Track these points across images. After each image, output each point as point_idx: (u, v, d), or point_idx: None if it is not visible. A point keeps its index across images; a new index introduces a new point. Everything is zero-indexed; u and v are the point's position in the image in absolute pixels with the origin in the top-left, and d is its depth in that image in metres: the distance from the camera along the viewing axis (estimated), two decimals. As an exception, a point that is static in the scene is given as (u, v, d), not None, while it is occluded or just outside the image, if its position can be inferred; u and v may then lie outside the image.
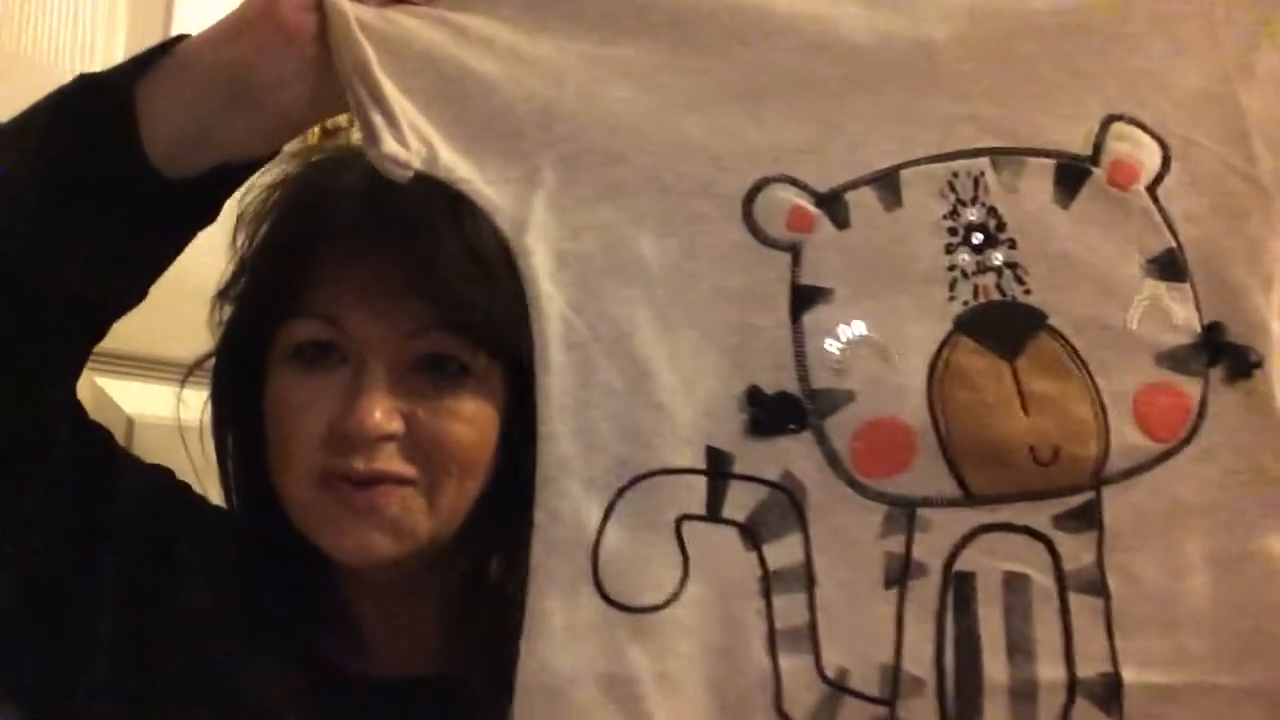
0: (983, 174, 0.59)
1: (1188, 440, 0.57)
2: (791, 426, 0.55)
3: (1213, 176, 0.60)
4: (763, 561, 0.54)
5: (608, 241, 0.56)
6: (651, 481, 0.54)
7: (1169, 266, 0.59)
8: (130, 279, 0.61)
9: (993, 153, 0.59)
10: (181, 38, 0.59)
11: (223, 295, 0.74)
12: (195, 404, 0.76)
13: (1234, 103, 0.61)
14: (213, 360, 0.74)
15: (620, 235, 0.56)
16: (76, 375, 0.64)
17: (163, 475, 0.74)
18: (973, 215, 0.58)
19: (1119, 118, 0.60)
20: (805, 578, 0.54)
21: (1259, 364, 0.58)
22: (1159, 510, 0.56)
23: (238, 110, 0.58)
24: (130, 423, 0.85)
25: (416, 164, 0.55)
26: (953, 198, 0.58)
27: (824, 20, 0.60)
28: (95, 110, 0.58)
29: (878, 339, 0.56)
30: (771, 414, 0.55)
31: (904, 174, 0.58)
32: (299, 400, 0.67)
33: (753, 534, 0.54)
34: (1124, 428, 0.57)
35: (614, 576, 0.53)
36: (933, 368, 0.56)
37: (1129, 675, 0.55)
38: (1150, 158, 0.60)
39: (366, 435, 0.65)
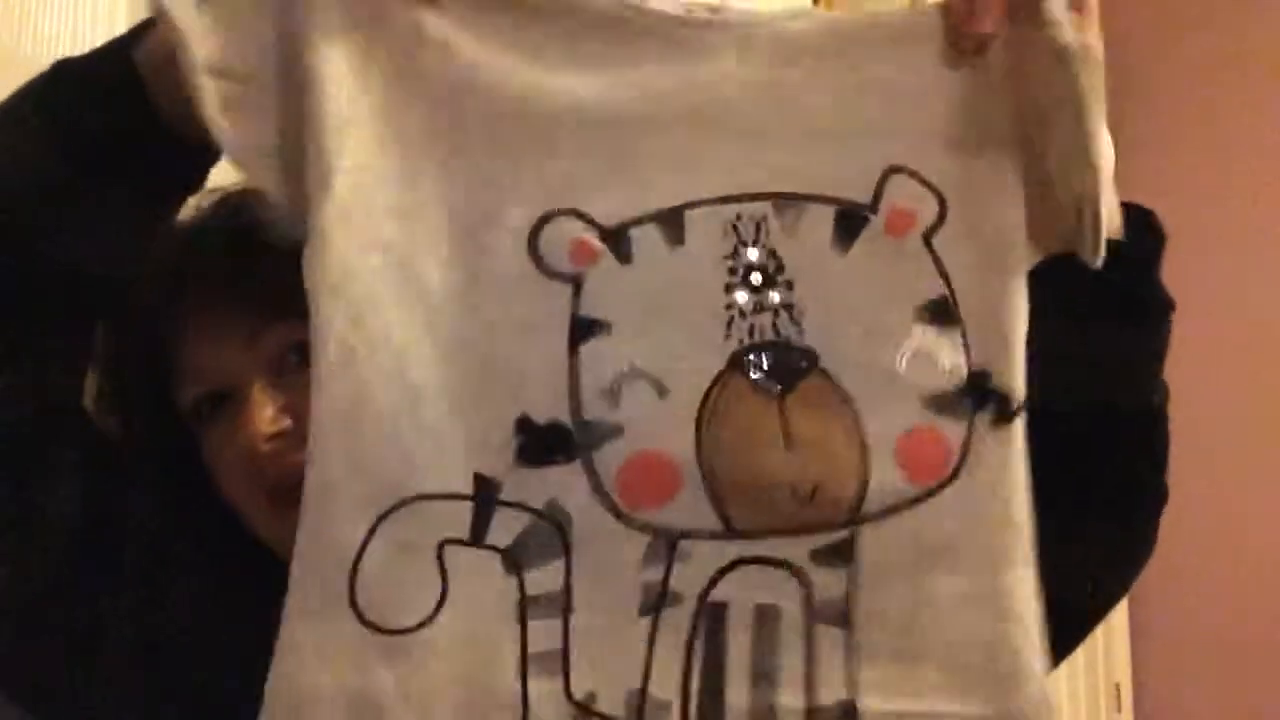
0: (765, 217, 0.60)
1: (947, 483, 0.60)
2: (560, 456, 0.56)
3: (986, 228, 0.62)
4: (521, 587, 0.56)
5: (392, 263, 0.57)
6: (416, 505, 0.55)
7: (940, 313, 0.61)
8: (133, 254, 0.63)
9: (776, 197, 0.61)
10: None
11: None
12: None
13: (1003, 151, 0.63)
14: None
15: (405, 258, 0.57)
16: (84, 364, 0.66)
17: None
18: (753, 256, 0.60)
19: (899, 169, 0.62)
20: (562, 604, 0.56)
21: (1020, 410, 0.61)
22: (910, 548, 0.59)
23: None
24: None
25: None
26: (735, 238, 0.60)
27: (627, 63, 0.61)
28: (104, 76, 0.59)
29: (651, 373, 0.58)
30: (540, 443, 0.56)
31: (689, 213, 0.60)
32: (221, 454, 0.72)
33: (514, 560, 0.56)
34: (885, 468, 0.59)
35: (371, 598, 0.54)
36: (703, 403, 0.58)
37: (865, 703, 0.57)
38: (927, 208, 0.62)
39: (259, 443, 0.69)
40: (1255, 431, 2.09)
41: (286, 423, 0.70)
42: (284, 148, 0.56)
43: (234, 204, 0.71)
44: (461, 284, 0.57)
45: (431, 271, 0.57)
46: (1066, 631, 0.67)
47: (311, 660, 0.53)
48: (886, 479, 0.59)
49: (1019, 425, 0.61)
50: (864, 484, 0.58)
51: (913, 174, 0.62)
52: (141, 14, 0.62)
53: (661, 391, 0.58)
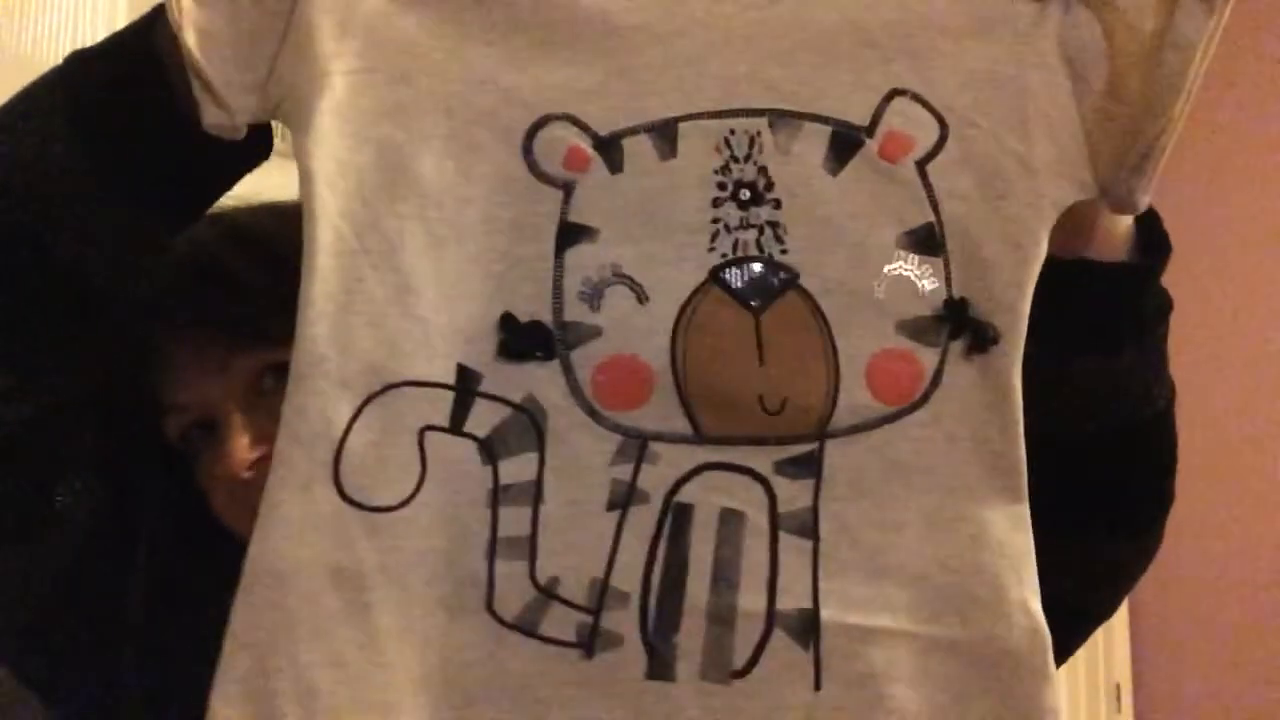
0: (759, 133, 0.61)
1: (918, 405, 0.62)
2: (539, 354, 0.59)
3: (985, 156, 0.63)
4: (496, 475, 0.59)
5: (387, 157, 0.59)
6: (401, 390, 0.58)
7: (924, 240, 0.62)
8: (139, 267, 0.62)
9: (772, 114, 0.62)
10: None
11: None
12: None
13: (1021, 86, 0.63)
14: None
15: (400, 153, 0.59)
16: (91, 364, 0.65)
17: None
18: (743, 172, 0.61)
19: (902, 93, 0.62)
20: (533, 494, 0.59)
21: (995, 340, 0.62)
22: (878, 466, 0.61)
23: None
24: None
25: (243, 120, 0.58)
26: (727, 153, 0.61)
27: None
28: (123, 66, 0.58)
29: (633, 281, 0.60)
30: (521, 340, 0.59)
31: (682, 126, 0.61)
32: (210, 481, 0.74)
33: (490, 449, 0.59)
34: (854, 387, 0.61)
35: (353, 476, 0.57)
36: (681, 313, 0.60)
37: (827, 614, 0.59)
38: (926, 134, 0.62)
39: (240, 472, 0.72)
40: (1256, 431, 2.05)
41: (265, 449, 0.71)
42: (245, 42, 0.57)
43: (197, 238, 0.71)
44: (454, 180, 0.59)
45: (425, 167, 0.59)
46: (1070, 633, 0.68)
47: (295, 532, 0.56)
48: (855, 397, 0.61)
49: (1001, 357, 0.61)
50: (833, 401, 0.60)
51: (916, 98, 0.62)
52: (140, 12, 0.62)
53: (641, 298, 0.60)
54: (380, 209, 0.59)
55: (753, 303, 0.60)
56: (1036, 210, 0.63)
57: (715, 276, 0.60)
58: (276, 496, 0.57)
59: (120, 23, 0.72)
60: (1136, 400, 0.69)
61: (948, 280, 0.62)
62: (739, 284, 0.60)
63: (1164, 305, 0.69)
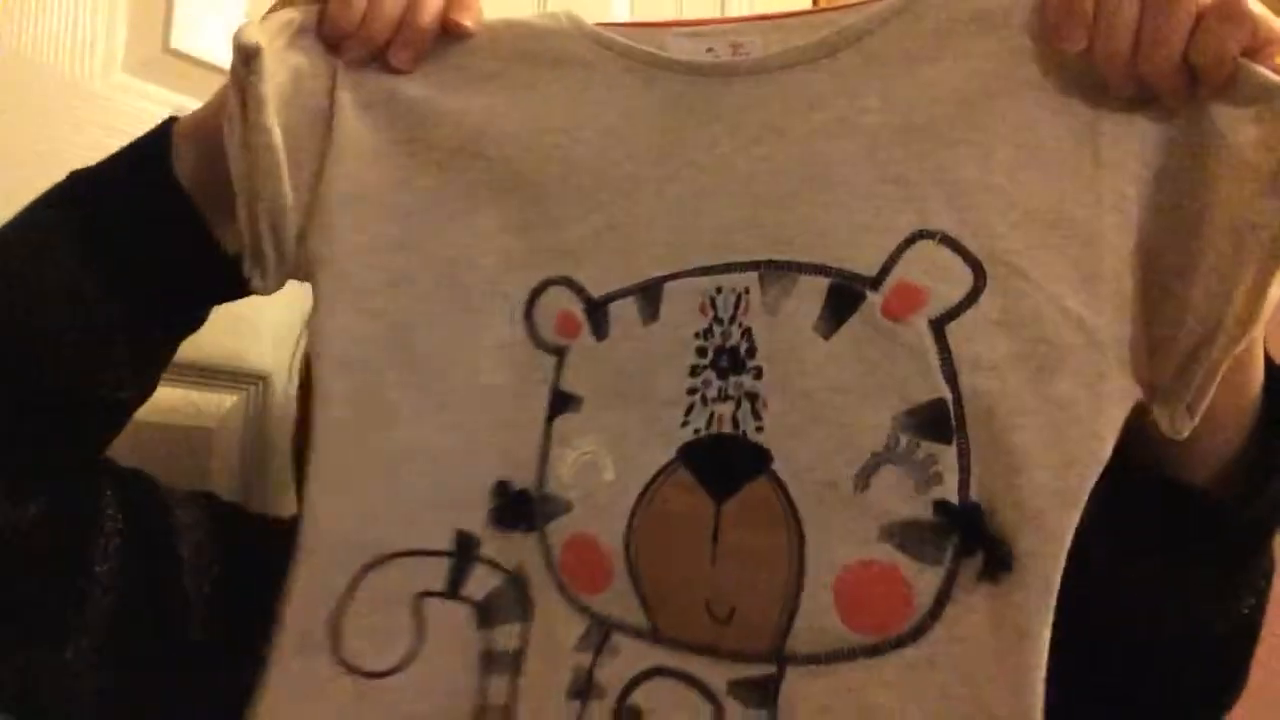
0: (747, 290, 0.53)
1: (905, 641, 0.47)
2: (523, 525, 0.57)
3: (1032, 318, 0.46)
4: (488, 641, 0.58)
5: (390, 328, 0.58)
6: (399, 559, 0.58)
7: (931, 422, 0.47)
8: (157, 378, 0.64)
9: (765, 266, 0.52)
10: (174, 119, 0.61)
11: None
12: (205, 407, 0.85)
13: (1093, 232, 0.45)
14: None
15: (403, 324, 0.58)
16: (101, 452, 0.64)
17: (210, 505, 0.70)
18: (727, 336, 0.53)
19: (929, 234, 0.49)
20: (515, 665, 0.57)
21: (1008, 566, 0.45)
22: (849, 710, 0.48)
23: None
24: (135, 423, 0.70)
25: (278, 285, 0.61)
26: (711, 315, 0.54)
27: (618, 113, 0.57)
28: (153, 206, 0.58)
29: (604, 456, 0.55)
30: (510, 510, 0.58)
31: (668, 286, 0.55)
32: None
33: (485, 615, 0.58)
34: (818, 606, 0.49)
35: (351, 642, 0.57)
36: (642, 495, 0.54)
37: None
38: (949, 285, 0.48)
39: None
40: None
41: None
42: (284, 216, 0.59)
43: None
44: (456, 349, 0.58)
45: (428, 336, 0.58)
46: None
47: (294, 697, 0.57)
48: (819, 618, 0.49)
49: (1019, 590, 0.46)
50: (788, 619, 0.49)
51: (947, 240, 0.49)
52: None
53: (608, 476, 0.55)
54: (384, 381, 0.58)
55: (717, 489, 0.52)
56: (1096, 397, 0.45)
57: (683, 456, 0.53)
58: (278, 663, 0.56)
59: (120, 23, 0.76)
60: (1214, 611, 0.50)
61: (963, 477, 0.47)
62: (706, 466, 0.52)
63: (1268, 517, 0.47)
